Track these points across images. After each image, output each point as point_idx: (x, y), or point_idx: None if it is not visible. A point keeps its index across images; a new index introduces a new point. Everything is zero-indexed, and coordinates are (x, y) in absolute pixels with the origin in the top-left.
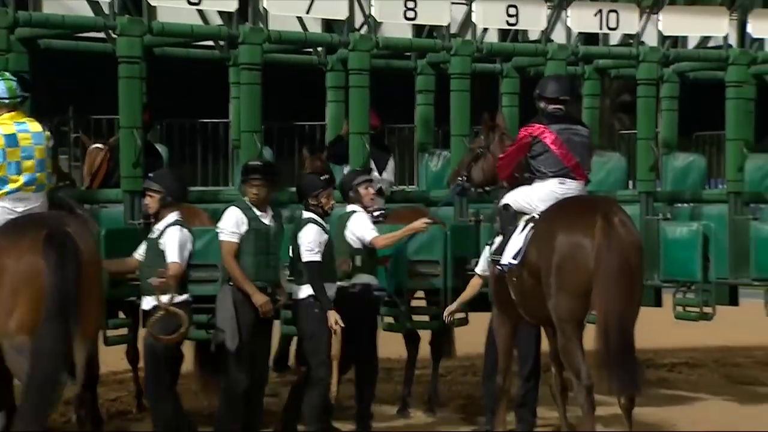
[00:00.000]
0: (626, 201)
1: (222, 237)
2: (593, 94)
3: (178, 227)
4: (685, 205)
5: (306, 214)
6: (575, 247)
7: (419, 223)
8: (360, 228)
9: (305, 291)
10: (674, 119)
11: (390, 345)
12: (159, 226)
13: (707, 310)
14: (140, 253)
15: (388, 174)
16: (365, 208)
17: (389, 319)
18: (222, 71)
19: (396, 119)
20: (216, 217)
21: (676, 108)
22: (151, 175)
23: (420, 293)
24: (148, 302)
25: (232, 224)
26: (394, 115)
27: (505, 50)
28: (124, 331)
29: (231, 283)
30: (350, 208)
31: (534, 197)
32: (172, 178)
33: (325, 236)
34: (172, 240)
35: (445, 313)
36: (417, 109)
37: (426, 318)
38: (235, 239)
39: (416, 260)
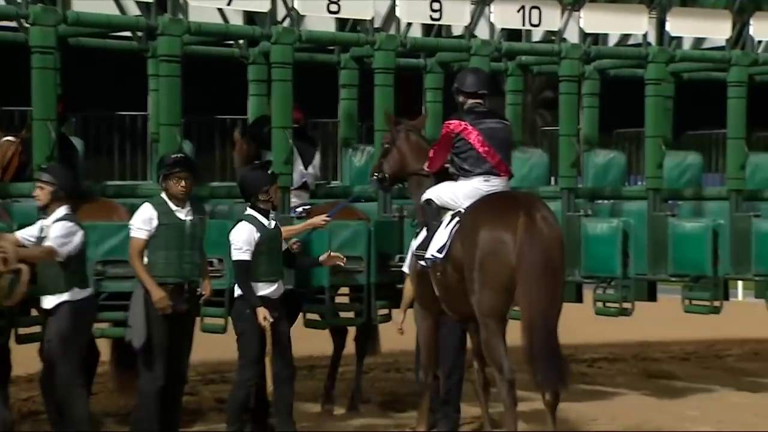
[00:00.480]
0: (548, 197)
1: (130, 233)
2: (516, 90)
3: (66, 221)
4: (606, 201)
5: (248, 211)
6: (497, 243)
7: (318, 219)
8: None
9: (237, 290)
10: (595, 116)
11: (313, 342)
12: (47, 222)
13: (626, 305)
14: (25, 235)
15: (315, 168)
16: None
17: (313, 316)
18: (140, 62)
19: (319, 114)
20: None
21: (597, 105)
22: (44, 166)
23: (344, 289)
24: (49, 301)
25: (140, 220)
26: (317, 109)
27: (429, 45)
28: (36, 328)
29: None
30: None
31: (459, 194)
32: (64, 171)
33: (258, 234)
34: (56, 230)
35: (397, 326)
36: (340, 103)
37: (350, 314)
38: (141, 235)
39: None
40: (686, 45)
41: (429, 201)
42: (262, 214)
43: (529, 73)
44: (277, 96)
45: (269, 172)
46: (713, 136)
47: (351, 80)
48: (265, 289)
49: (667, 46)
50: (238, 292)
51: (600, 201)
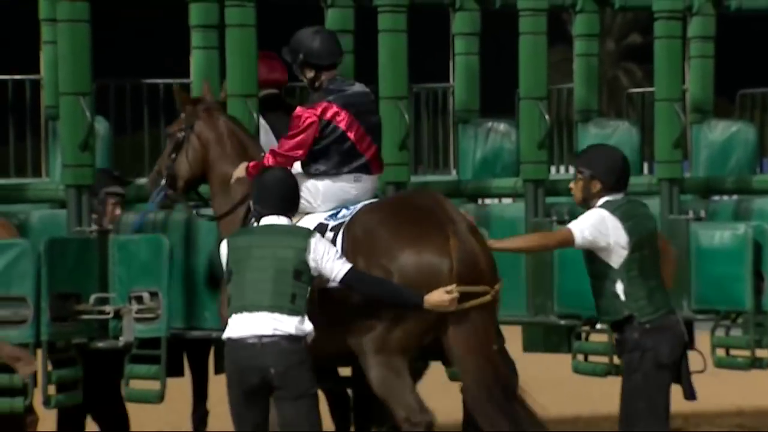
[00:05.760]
0: (639, 192)
1: None
2: (589, 34)
3: None
4: (727, 198)
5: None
6: (429, 271)
7: None
8: None
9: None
10: (709, 71)
11: None
12: None
13: (761, 353)
14: None
15: None
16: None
17: None
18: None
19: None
20: (23, 224)
21: (711, 54)
22: None
23: None
24: None
25: None
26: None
27: None
28: None
29: None
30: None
31: (319, 195)
32: None
33: None
34: None
35: None
36: None
37: None
38: None
39: None
40: None
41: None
42: None
43: (609, 8)
44: (236, 48)
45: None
46: None
47: (344, 24)
48: None
49: None
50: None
51: (718, 197)
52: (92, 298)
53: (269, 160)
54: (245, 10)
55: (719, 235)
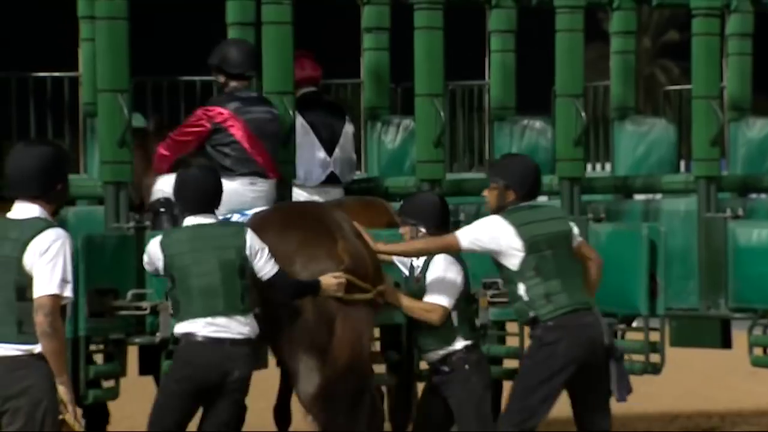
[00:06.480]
0: (677, 190)
1: None
2: (626, 31)
3: None
4: (764, 195)
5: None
6: (321, 273)
7: None
8: None
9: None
10: (747, 68)
11: None
12: None
13: None
14: None
15: (345, 151)
16: None
17: None
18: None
19: (331, 72)
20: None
21: (749, 51)
22: None
23: None
24: None
25: None
26: (330, 66)
27: None
28: None
29: None
30: None
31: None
32: None
33: None
34: None
35: None
36: (364, 56)
37: None
38: None
39: None
40: None
41: (166, 202)
42: None
43: (646, 5)
44: (272, 45)
45: None
46: None
47: (380, 21)
48: None
49: None
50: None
51: (756, 195)
52: (129, 294)
53: (158, 155)
54: (282, 8)
55: (757, 234)
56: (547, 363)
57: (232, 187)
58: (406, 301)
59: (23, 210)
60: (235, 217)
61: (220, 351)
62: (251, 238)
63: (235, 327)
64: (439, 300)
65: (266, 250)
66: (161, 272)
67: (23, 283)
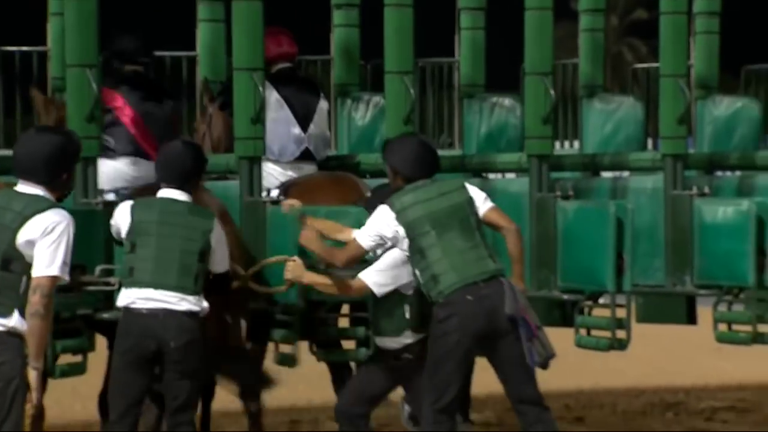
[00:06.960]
0: (644, 168)
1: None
2: (594, 9)
3: None
4: (731, 173)
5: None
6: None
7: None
8: None
9: None
10: (715, 47)
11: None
12: None
13: (763, 328)
14: None
15: (319, 127)
16: None
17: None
18: None
19: (302, 49)
20: None
21: (717, 29)
22: None
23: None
24: None
25: None
26: (301, 43)
27: None
28: None
29: None
30: None
31: (102, 176)
32: None
33: None
34: None
35: None
36: (334, 32)
37: None
38: None
39: None
40: None
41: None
42: None
43: None
44: (242, 21)
45: None
46: None
47: None
48: None
49: None
50: None
51: (722, 173)
52: (97, 269)
53: None
54: None
55: (723, 211)
56: (444, 340)
57: (114, 165)
58: (318, 278)
59: (28, 188)
60: (111, 195)
61: (154, 320)
62: (218, 229)
63: (176, 302)
64: (363, 273)
65: (226, 246)
66: (123, 235)
67: (11, 255)
